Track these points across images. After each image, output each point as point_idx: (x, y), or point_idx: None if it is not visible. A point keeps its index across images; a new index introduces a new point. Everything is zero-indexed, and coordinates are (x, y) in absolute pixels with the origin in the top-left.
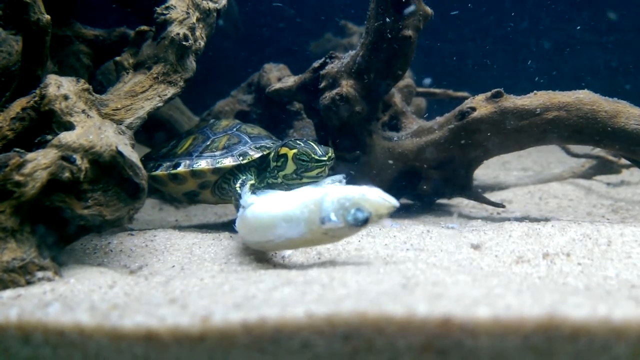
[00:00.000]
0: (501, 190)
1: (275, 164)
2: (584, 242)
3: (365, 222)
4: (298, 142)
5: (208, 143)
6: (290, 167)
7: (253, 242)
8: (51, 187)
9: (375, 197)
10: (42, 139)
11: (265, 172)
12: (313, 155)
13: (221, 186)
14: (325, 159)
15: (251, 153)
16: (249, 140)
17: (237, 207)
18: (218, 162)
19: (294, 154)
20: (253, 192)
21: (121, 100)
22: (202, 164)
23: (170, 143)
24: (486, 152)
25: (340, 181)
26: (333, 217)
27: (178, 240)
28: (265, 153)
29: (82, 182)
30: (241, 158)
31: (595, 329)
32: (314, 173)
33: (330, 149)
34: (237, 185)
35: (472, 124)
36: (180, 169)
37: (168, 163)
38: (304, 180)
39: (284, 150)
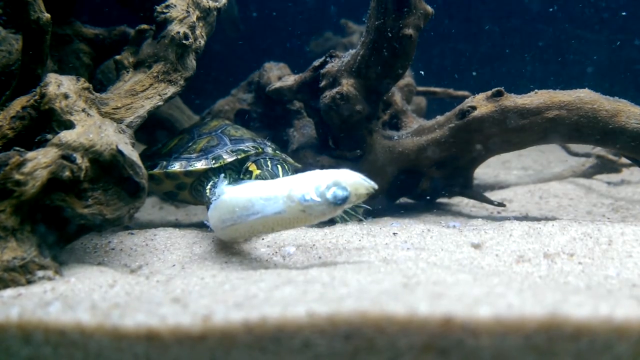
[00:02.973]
0: (501, 189)
1: (242, 176)
2: (584, 241)
3: (344, 200)
4: (268, 164)
5: (190, 144)
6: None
7: (226, 228)
8: (51, 186)
9: (355, 177)
10: (42, 138)
11: (238, 175)
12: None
13: (196, 188)
14: None
15: (225, 157)
16: (228, 143)
17: (208, 208)
18: (191, 165)
19: (257, 175)
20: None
21: (121, 99)
22: (176, 166)
23: (162, 142)
24: (487, 151)
25: None
26: (313, 194)
27: (178, 239)
28: (240, 157)
29: (83, 181)
30: (214, 162)
31: (596, 328)
32: None
33: (289, 167)
34: (208, 187)
35: (473, 123)
36: (156, 170)
37: (149, 163)
38: None
39: (252, 167)
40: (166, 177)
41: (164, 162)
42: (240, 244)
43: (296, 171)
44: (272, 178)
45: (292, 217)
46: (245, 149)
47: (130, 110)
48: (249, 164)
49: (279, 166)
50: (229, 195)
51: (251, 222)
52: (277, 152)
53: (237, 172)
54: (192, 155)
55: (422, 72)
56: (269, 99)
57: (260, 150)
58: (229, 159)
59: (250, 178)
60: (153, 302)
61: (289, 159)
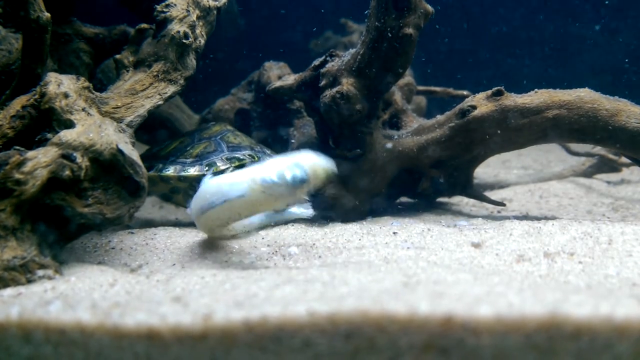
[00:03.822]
0: (501, 188)
1: None
2: (584, 241)
3: (302, 181)
4: None
5: (188, 149)
6: None
7: (201, 217)
8: (51, 186)
9: (315, 159)
10: (43, 137)
11: None
12: None
13: (188, 193)
14: None
15: (219, 164)
16: (225, 150)
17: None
18: (184, 170)
19: None
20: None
21: (121, 98)
22: (170, 170)
23: (165, 143)
24: (487, 150)
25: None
26: (273, 176)
27: (179, 238)
28: (234, 165)
29: (83, 181)
30: (207, 168)
31: (597, 327)
32: None
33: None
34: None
35: (473, 123)
36: (151, 172)
37: (146, 164)
38: None
39: None
40: (160, 180)
41: (160, 165)
42: (241, 243)
43: None
44: None
45: (254, 200)
46: (241, 157)
47: (130, 110)
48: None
49: None
50: (204, 184)
51: (218, 208)
52: None
53: None
54: (187, 160)
55: (429, 70)
56: (269, 98)
57: (256, 159)
58: (222, 166)
59: None
60: (153, 301)
61: None
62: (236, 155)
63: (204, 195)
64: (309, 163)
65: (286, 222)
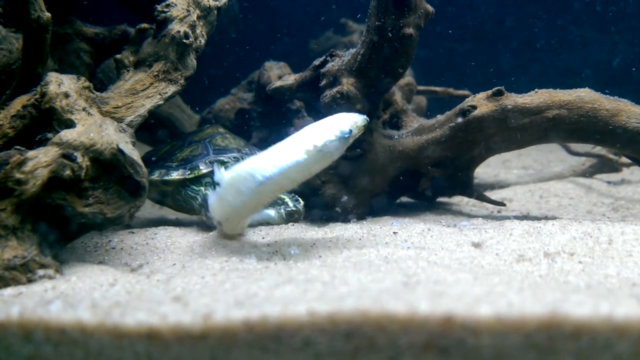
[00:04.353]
0: (502, 188)
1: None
2: (584, 241)
3: (350, 134)
4: None
5: (177, 152)
6: None
7: (236, 208)
8: (52, 185)
9: (350, 115)
10: (43, 137)
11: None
12: None
13: (174, 197)
14: None
15: (201, 167)
16: (210, 153)
17: (204, 213)
18: (168, 175)
19: None
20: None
21: (122, 98)
22: (155, 174)
23: (159, 147)
24: (487, 150)
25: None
26: (324, 136)
27: (179, 238)
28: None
29: (83, 180)
30: (189, 172)
31: (597, 327)
32: None
33: None
34: (191, 199)
35: (473, 122)
36: None
37: None
38: None
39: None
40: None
41: (148, 169)
42: (241, 242)
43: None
44: None
45: (311, 161)
46: (225, 160)
47: (130, 109)
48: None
49: None
50: (233, 172)
51: (273, 180)
52: None
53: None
54: (173, 164)
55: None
56: (270, 98)
57: (241, 161)
58: (204, 169)
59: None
60: (154, 301)
61: None
62: (220, 158)
63: (242, 180)
64: (349, 118)
65: (280, 222)
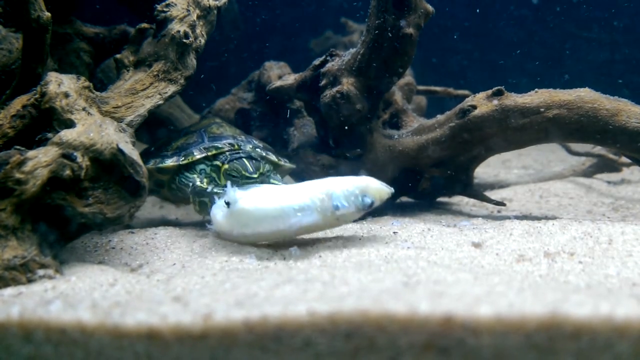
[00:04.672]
0: (502, 188)
1: (210, 172)
2: (585, 241)
3: (371, 205)
4: (234, 156)
5: (172, 142)
6: (222, 180)
7: (246, 235)
8: (52, 185)
9: (377, 185)
10: (43, 137)
11: (212, 174)
12: (243, 172)
13: (170, 186)
14: (255, 176)
15: (195, 153)
16: (205, 141)
17: (196, 202)
18: (162, 162)
19: (225, 169)
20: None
21: (122, 97)
22: (150, 163)
23: (158, 142)
24: (487, 150)
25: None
26: (345, 203)
27: (179, 238)
28: (211, 154)
29: (83, 180)
30: (183, 158)
31: (597, 327)
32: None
33: (263, 165)
34: (184, 186)
35: (473, 122)
36: None
37: None
38: None
39: (217, 162)
40: None
41: (144, 160)
42: (241, 243)
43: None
44: (238, 172)
45: (327, 224)
46: (220, 146)
47: (130, 109)
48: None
49: (245, 160)
50: (252, 205)
51: (291, 230)
52: (257, 149)
53: (216, 170)
54: (168, 153)
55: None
56: (270, 98)
57: (236, 147)
58: (198, 155)
59: (218, 175)
60: (154, 301)
61: (271, 156)
62: (215, 144)
63: (257, 218)
64: (374, 188)
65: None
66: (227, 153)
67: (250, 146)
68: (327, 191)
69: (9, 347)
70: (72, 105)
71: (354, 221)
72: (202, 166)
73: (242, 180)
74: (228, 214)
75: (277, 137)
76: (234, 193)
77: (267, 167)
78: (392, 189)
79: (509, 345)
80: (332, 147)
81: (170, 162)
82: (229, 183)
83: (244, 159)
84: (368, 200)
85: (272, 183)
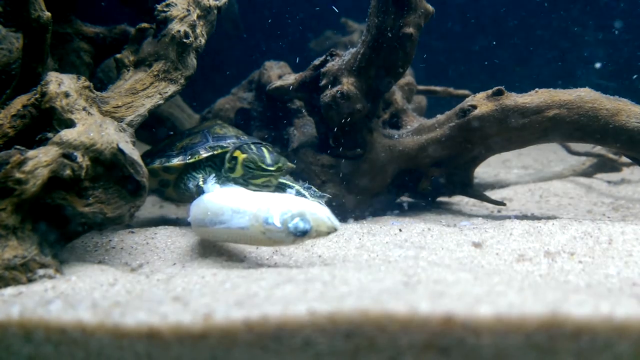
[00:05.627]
0: (502, 188)
1: (228, 165)
2: (585, 240)
3: (304, 233)
4: (252, 147)
5: (176, 143)
6: (239, 171)
7: (198, 227)
8: (52, 185)
9: (321, 214)
10: (43, 137)
11: (220, 172)
12: (260, 164)
13: (178, 185)
14: (272, 169)
15: (201, 152)
16: (209, 140)
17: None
18: (169, 161)
19: (244, 159)
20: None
21: (122, 97)
22: (156, 162)
23: (160, 143)
24: (487, 150)
25: (309, 187)
26: (276, 220)
27: (179, 237)
28: (217, 152)
29: (83, 180)
30: (189, 157)
31: (597, 327)
32: (259, 181)
33: (282, 160)
34: (194, 185)
35: (473, 122)
36: None
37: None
38: (250, 187)
39: (236, 153)
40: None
41: (148, 160)
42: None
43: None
44: (260, 160)
45: (253, 236)
46: (225, 145)
47: (130, 109)
48: (235, 150)
49: (263, 149)
50: (207, 197)
51: (217, 229)
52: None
53: (215, 168)
54: (173, 152)
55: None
56: (270, 98)
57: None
58: (204, 154)
59: (235, 164)
60: (154, 301)
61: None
62: (220, 144)
63: (204, 210)
64: (315, 216)
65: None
66: (248, 142)
67: (253, 145)
68: (270, 204)
69: (9, 347)
70: (72, 105)
71: (355, 223)
72: (209, 162)
73: (257, 171)
74: (194, 204)
75: (277, 137)
76: (209, 185)
77: (287, 164)
78: (340, 225)
79: (509, 344)
80: (332, 146)
81: (176, 161)
82: (212, 176)
83: (263, 148)
84: (301, 226)
85: (284, 182)
